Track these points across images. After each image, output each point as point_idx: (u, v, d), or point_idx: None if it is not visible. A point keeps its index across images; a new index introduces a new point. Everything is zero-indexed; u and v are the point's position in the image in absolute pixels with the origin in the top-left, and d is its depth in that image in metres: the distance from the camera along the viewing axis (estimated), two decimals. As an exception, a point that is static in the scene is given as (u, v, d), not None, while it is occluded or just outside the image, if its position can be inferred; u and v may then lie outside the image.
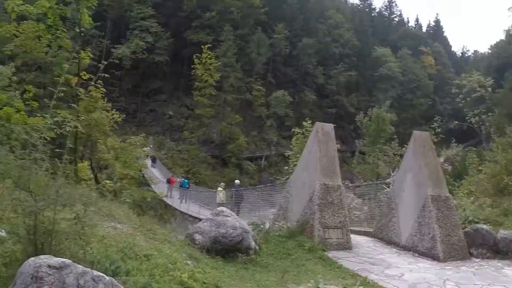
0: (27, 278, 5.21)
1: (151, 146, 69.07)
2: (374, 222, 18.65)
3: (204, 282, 8.58)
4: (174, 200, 44.22)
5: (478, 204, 18.20)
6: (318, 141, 15.81)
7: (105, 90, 25.45)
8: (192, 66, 72.76)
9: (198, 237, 12.56)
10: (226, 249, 12.39)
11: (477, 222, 15.69)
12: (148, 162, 63.62)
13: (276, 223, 16.40)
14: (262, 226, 15.55)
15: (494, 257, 14.51)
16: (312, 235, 14.72)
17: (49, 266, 5.29)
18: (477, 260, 14.35)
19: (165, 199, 45.03)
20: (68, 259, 5.81)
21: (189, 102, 78.89)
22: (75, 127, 21.68)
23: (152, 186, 52.62)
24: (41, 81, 44.70)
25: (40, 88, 43.83)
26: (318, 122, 16.82)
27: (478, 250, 14.66)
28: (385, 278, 11.77)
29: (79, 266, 5.50)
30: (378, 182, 21.87)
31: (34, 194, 6.47)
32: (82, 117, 22.20)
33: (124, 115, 51.85)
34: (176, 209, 42.01)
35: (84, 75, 23.21)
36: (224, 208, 13.79)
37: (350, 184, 26.91)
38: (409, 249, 15.06)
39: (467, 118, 50.12)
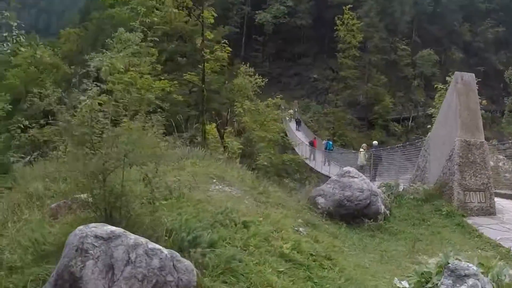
0: (71, 250, 4.49)
1: (296, 109, 68.78)
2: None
3: (311, 254, 7.53)
4: (317, 162, 43.25)
5: None
6: (458, 93, 14.12)
7: (230, 50, 24.70)
8: (334, 28, 70.98)
9: (320, 200, 11.61)
10: (351, 214, 11.37)
11: None
12: (293, 125, 63.38)
13: (412, 185, 15.01)
14: (395, 188, 14.23)
15: None
16: (451, 199, 13.27)
17: (96, 236, 4.53)
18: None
19: (308, 162, 44.23)
20: (138, 229, 5.07)
21: (333, 64, 77.23)
22: (202, 89, 21.45)
23: (296, 149, 52.29)
24: (182, 50, 45.39)
25: (182, 57, 44.62)
26: (457, 72, 15.03)
27: None
28: (531, 251, 10.10)
29: (132, 236, 4.66)
30: None
31: (101, 153, 5.68)
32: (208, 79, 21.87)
33: (267, 80, 51.86)
34: (318, 172, 41.04)
35: (209, 35, 22.61)
36: (351, 168, 12.65)
37: (497, 143, 24.36)
38: None
39: None
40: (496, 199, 14.45)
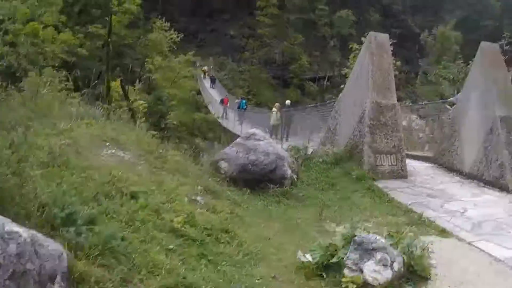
0: None
1: (211, 66, 67.81)
2: (436, 146, 16.49)
3: (205, 228, 6.82)
4: (229, 122, 42.51)
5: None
6: (371, 53, 13.69)
7: (139, 1, 23.47)
8: (255, -16, 70.08)
9: (223, 165, 10.92)
10: (256, 179, 10.71)
11: None
12: (208, 83, 62.48)
13: (322, 147, 14.56)
14: (303, 151, 13.70)
15: None
16: (361, 162, 12.92)
17: None
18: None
19: (220, 121, 43.62)
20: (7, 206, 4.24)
21: (251, 22, 76.39)
22: (107, 43, 20.24)
23: (209, 107, 51.49)
24: (98, 1, 43.31)
25: (98, 9, 42.65)
26: (371, 32, 14.58)
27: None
28: (444, 215, 9.88)
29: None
30: (440, 101, 19.44)
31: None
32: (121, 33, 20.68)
33: (183, 35, 50.70)
34: (231, 131, 40.45)
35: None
36: (257, 130, 12.04)
37: (411, 104, 24.34)
38: (474, 177, 13.06)
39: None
40: (408, 161, 14.34)
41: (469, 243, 8.15)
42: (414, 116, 22.32)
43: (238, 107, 43.16)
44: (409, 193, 11.54)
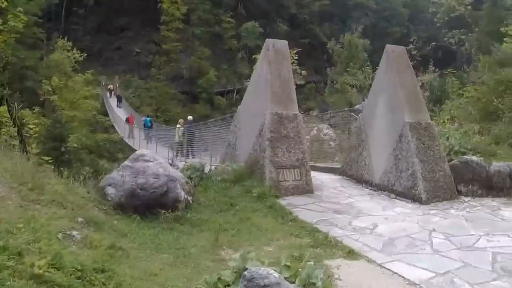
0: None
1: (117, 84, 65.88)
2: (345, 156, 15.78)
3: (76, 269, 5.53)
4: (136, 140, 40.74)
5: (464, 131, 15.40)
6: (269, 61, 12.73)
7: (25, 19, 21.82)
8: (158, 0, 68.59)
9: (110, 190, 9.61)
10: (146, 205, 9.43)
11: (464, 153, 13.06)
12: (114, 102, 60.51)
13: (221, 164, 13.52)
14: (200, 169, 12.59)
15: (487, 194, 12.00)
16: (263, 178, 11.86)
17: None
18: (467, 199, 11.78)
19: (126, 140, 41.91)
20: None
21: (156, 37, 74.46)
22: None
23: (115, 126, 49.63)
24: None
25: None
26: (268, 39, 13.63)
27: (467, 187, 12.03)
28: (352, 233, 9.00)
29: None
30: (346, 110, 18.79)
31: None
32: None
33: (87, 55, 48.71)
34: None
35: (2, 3, 19.58)
36: (145, 151, 10.77)
37: (321, 113, 23.64)
38: (384, 188, 12.35)
39: (445, 39, 47.72)
40: (316, 173, 13.61)
41: (380, 265, 7.26)
42: (325, 126, 21.65)
43: (144, 125, 41.67)
44: (314, 210, 10.60)
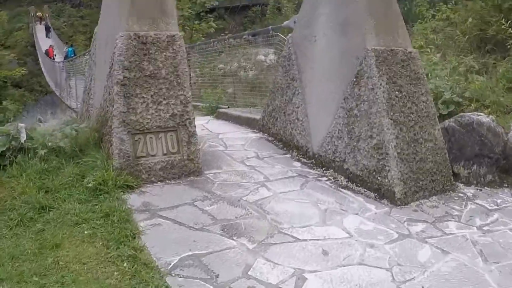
0: None
1: (47, 14, 59.91)
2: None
3: None
4: (57, 75, 34.22)
5: (453, 67, 10.04)
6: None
7: None
8: None
9: None
10: None
11: (460, 104, 7.90)
12: (42, 32, 54.62)
13: (57, 126, 8.09)
14: (18, 137, 7.07)
15: (501, 182, 6.95)
16: (110, 152, 6.50)
17: None
18: (470, 192, 6.76)
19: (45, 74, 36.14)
20: None
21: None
22: None
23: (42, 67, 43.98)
24: None
25: None
26: None
27: (469, 169, 6.87)
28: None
29: None
30: (269, 28, 12.71)
31: None
32: None
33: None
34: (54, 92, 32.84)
35: None
36: None
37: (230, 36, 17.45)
38: (327, 164, 7.19)
39: None
40: (224, 128, 9.65)
41: None
42: (271, 51, 15.36)
43: (65, 57, 35.40)
44: (185, 226, 5.29)
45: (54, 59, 38.93)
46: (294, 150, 7.93)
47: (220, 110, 11.83)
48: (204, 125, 10.26)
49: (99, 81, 7.69)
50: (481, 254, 4.91)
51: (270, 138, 8.69)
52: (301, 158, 7.66)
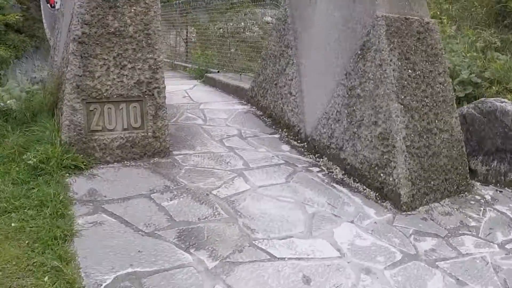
0: None
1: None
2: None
3: None
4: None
5: (471, 42, 8.83)
6: None
7: None
8: None
9: None
10: None
11: (479, 86, 6.76)
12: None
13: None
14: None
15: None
16: (60, 121, 5.40)
17: None
18: (488, 194, 5.62)
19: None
20: None
21: None
22: None
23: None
24: None
25: None
26: None
27: (489, 165, 5.78)
28: None
29: None
30: None
31: None
32: None
33: None
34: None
35: None
36: None
37: None
38: (321, 151, 6.12)
39: None
40: (211, 96, 8.70)
41: None
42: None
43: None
44: (133, 228, 4.21)
45: (54, 6, 37.29)
46: (284, 129, 6.83)
47: (208, 75, 10.66)
48: (187, 91, 9.12)
49: (64, 33, 6.54)
50: (504, 286, 3.85)
51: (258, 113, 7.57)
52: (291, 140, 6.54)
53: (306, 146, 6.31)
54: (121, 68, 5.48)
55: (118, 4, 5.49)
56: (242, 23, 13.98)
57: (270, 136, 6.72)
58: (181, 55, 15.30)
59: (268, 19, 14.61)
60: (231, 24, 13.97)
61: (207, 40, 13.77)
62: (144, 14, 5.62)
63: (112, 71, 5.44)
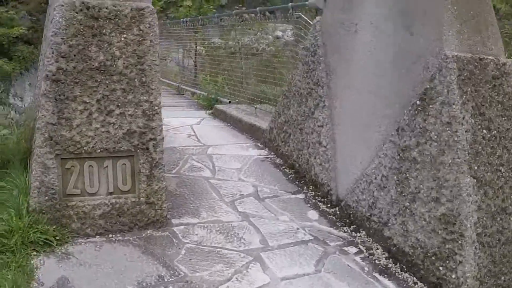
0: None
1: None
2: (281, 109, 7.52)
3: None
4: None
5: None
6: None
7: None
8: None
9: None
10: None
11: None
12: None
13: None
14: None
15: None
16: (30, 182, 4.22)
17: None
18: None
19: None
20: None
21: None
22: None
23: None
24: None
25: None
26: None
27: None
28: None
29: None
30: (289, 5, 9.88)
31: None
32: None
33: None
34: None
35: None
36: None
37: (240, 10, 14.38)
38: (358, 222, 4.80)
39: None
40: (221, 133, 7.55)
41: None
42: (289, 27, 12.70)
43: None
44: None
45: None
46: (310, 187, 5.56)
47: (218, 106, 9.44)
48: (193, 127, 7.89)
49: (42, 65, 5.30)
50: None
51: (277, 161, 6.31)
52: (319, 204, 5.26)
53: (338, 213, 5.03)
54: (106, 115, 4.25)
55: (104, 31, 4.27)
56: (256, 44, 12.74)
57: (293, 196, 5.43)
58: (188, 79, 14.13)
59: (279, 33, 13.53)
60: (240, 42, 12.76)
61: (218, 65, 12.54)
62: (137, 44, 4.39)
63: (95, 119, 4.21)
